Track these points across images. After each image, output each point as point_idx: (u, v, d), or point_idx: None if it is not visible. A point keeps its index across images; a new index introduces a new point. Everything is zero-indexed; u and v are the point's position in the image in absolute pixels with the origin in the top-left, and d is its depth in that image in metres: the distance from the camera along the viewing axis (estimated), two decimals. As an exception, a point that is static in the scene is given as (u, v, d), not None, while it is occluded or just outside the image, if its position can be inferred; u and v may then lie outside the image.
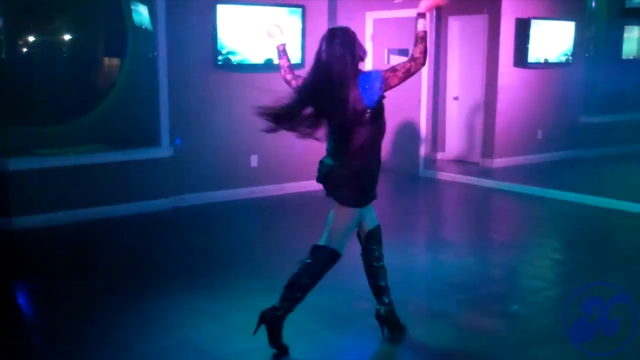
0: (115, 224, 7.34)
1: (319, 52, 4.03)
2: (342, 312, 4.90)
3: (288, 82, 4.45)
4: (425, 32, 3.98)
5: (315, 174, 4.37)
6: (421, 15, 3.99)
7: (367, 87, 3.91)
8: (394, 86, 3.96)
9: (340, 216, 4.25)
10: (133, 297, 5.17)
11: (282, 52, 4.51)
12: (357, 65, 4.01)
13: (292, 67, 4.47)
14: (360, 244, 4.49)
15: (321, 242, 4.30)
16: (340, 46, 3.96)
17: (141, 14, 8.07)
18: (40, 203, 7.16)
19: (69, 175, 7.32)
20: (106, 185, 7.56)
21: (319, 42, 4.06)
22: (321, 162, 4.37)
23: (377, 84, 3.91)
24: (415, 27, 3.98)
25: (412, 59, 3.93)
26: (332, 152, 4.25)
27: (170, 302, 5.07)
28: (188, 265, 6.00)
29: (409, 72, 3.93)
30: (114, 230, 7.18)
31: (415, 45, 3.94)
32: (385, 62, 10.22)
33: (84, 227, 7.18)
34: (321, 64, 4.00)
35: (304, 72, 8.61)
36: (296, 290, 4.19)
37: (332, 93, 3.94)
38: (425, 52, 3.94)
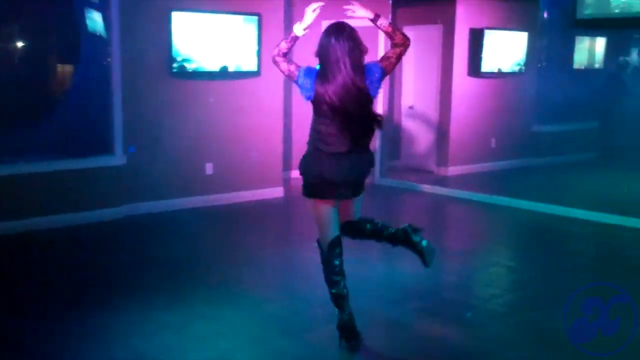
0: (67, 233, 7.22)
1: (329, 47, 4.17)
2: (299, 321, 4.88)
3: (276, 62, 4.46)
4: (390, 23, 4.37)
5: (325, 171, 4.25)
6: (376, 18, 4.42)
7: (372, 79, 4.15)
8: (390, 72, 4.35)
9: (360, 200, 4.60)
10: (84, 307, 5.08)
11: (293, 39, 4.52)
12: (364, 58, 4.22)
13: (287, 55, 4.47)
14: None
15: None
16: (351, 40, 4.19)
17: (95, 20, 7.98)
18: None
19: (21, 183, 7.19)
20: (58, 194, 7.43)
21: (322, 36, 4.28)
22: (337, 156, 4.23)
23: (377, 75, 4.18)
24: (382, 28, 4.41)
25: (398, 45, 4.31)
26: (350, 142, 4.19)
27: (122, 311, 4.99)
28: (141, 274, 5.92)
29: (400, 57, 4.33)
30: (67, 240, 7.06)
31: (393, 36, 4.33)
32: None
33: (36, 236, 7.05)
34: (337, 57, 4.12)
35: (260, 80, 8.68)
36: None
37: (357, 89, 4.07)
38: (405, 35, 4.34)
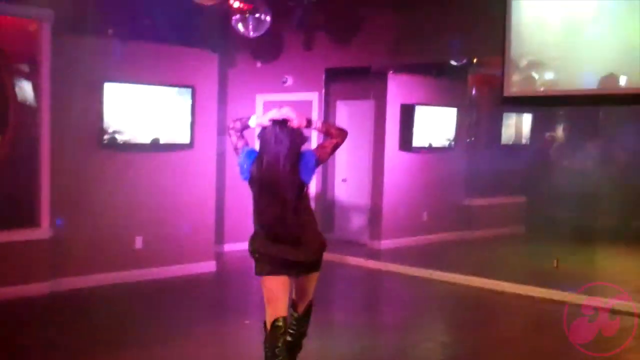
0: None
1: (272, 136, 4.30)
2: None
3: (229, 133, 4.54)
4: (324, 122, 4.86)
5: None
6: (309, 124, 4.50)
7: (307, 166, 4.27)
8: (325, 161, 4.52)
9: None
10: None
11: (246, 126, 4.53)
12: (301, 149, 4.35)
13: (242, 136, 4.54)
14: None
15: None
16: (293, 134, 4.33)
17: (25, 89, 7.83)
18: None
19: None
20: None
21: (267, 128, 4.38)
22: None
23: (312, 163, 4.29)
24: (318, 127, 4.62)
25: (335, 135, 4.49)
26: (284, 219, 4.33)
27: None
28: (64, 354, 5.69)
29: (336, 147, 4.48)
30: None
31: (328, 134, 4.54)
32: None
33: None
34: (277, 150, 4.26)
35: (193, 152, 8.62)
36: None
37: (284, 176, 4.23)
38: (340, 129, 4.61)
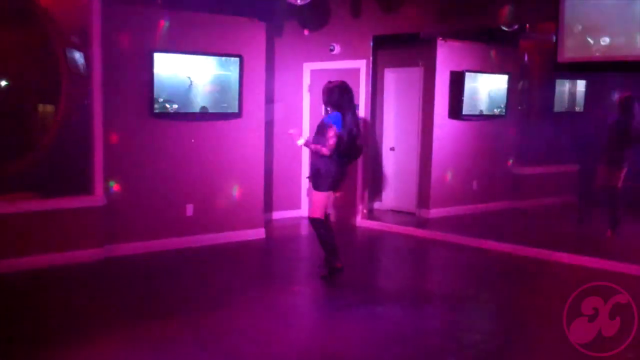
0: (46, 275, 7.12)
1: (346, 99, 7.11)
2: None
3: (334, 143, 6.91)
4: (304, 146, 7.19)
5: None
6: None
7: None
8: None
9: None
10: (58, 348, 4.99)
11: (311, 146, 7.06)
12: None
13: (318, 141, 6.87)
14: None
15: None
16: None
17: (77, 60, 7.96)
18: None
19: (-1, 224, 7.12)
20: (37, 234, 7.35)
21: (338, 91, 7.11)
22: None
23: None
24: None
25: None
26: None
27: (95, 355, 4.90)
28: (117, 318, 5.82)
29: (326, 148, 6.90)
30: (45, 281, 6.96)
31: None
32: (322, 113, 10.26)
33: (12, 277, 6.95)
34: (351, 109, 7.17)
35: (241, 121, 8.69)
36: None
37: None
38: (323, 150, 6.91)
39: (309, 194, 7.76)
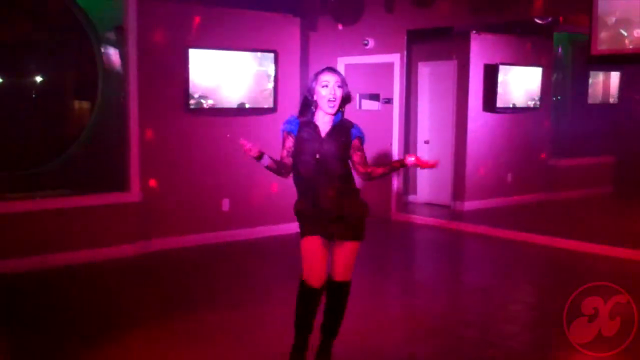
0: (82, 270, 7.23)
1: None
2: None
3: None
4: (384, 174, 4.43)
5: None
6: (399, 164, 4.36)
7: None
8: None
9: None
10: (93, 345, 5.06)
11: (268, 163, 4.28)
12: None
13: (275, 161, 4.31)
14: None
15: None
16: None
17: (112, 57, 8.06)
18: (4, 248, 7.02)
19: (36, 220, 7.22)
20: (74, 230, 7.46)
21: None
22: None
23: None
24: (391, 164, 4.42)
25: (367, 172, 4.31)
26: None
27: (134, 351, 4.98)
28: (153, 312, 5.90)
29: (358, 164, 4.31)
30: (82, 276, 7.07)
31: (379, 167, 4.35)
32: (357, 107, 10.30)
33: (50, 273, 7.06)
34: None
35: (276, 116, 8.72)
36: None
37: None
38: (371, 178, 4.33)
39: (348, 251, 4.30)
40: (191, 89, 8.07)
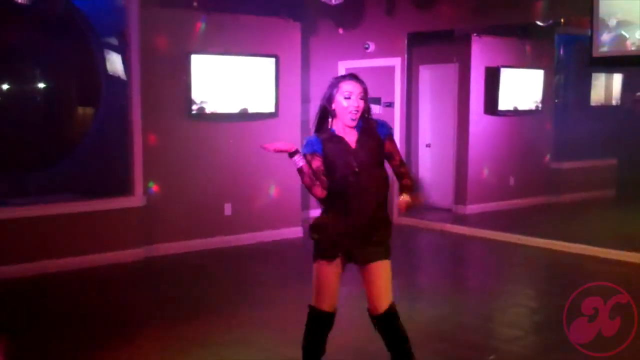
0: (86, 275, 7.25)
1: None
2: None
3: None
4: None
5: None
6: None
7: None
8: None
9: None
10: (98, 350, 5.08)
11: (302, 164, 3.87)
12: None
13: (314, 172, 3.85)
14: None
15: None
16: None
17: (115, 62, 8.08)
18: (8, 254, 7.04)
19: (39, 225, 7.25)
20: (77, 235, 7.49)
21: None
22: None
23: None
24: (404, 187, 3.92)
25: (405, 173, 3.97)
26: None
27: (138, 356, 4.99)
28: (158, 317, 5.92)
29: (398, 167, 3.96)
30: (85, 281, 7.09)
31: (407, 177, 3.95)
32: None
33: (54, 278, 7.08)
34: None
35: (278, 121, 8.70)
36: None
37: None
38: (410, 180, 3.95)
39: (382, 272, 3.90)
40: (193, 95, 8.09)
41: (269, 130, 8.79)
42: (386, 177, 3.90)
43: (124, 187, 7.93)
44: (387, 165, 3.94)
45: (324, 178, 3.79)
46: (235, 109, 8.42)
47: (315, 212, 10.36)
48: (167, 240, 8.16)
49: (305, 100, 9.62)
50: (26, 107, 7.77)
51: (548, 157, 11.55)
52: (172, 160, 8.14)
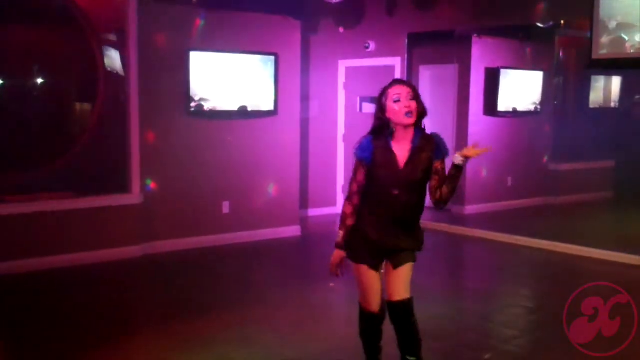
0: (84, 272, 7.23)
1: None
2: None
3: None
4: (453, 190, 3.90)
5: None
6: (454, 169, 3.87)
7: None
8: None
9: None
10: (95, 347, 5.07)
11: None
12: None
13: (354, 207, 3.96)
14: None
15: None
16: None
17: (113, 58, 8.06)
18: (5, 250, 7.02)
19: (37, 221, 7.23)
20: (75, 232, 7.47)
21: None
22: None
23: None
24: (449, 176, 3.88)
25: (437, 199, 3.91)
26: None
27: (136, 353, 4.98)
28: (156, 314, 5.91)
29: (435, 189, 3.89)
30: (83, 279, 7.07)
31: (443, 187, 3.89)
32: (358, 110, 10.30)
33: (52, 275, 7.07)
34: None
35: (277, 119, 8.70)
36: None
37: None
38: (443, 202, 3.93)
39: (403, 272, 4.03)
40: (192, 92, 8.07)
41: (269, 128, 8.79)
42: (423, 200, 3.96)
43: (121, 185, 7.91)
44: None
45: (355, 203, 3.89)
46: (234, 107, 8.40)
47: (314, 211, 10.42)
48: (165, 238, 8.14)
49: (305, 98, 9.61)
50: (24, 104, 7.78)
51: (546, 158, 11.55)
52: (170, 157, 8.13)
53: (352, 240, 3.95)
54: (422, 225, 4.13)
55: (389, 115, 3.81)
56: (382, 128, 3.86)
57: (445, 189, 3.85)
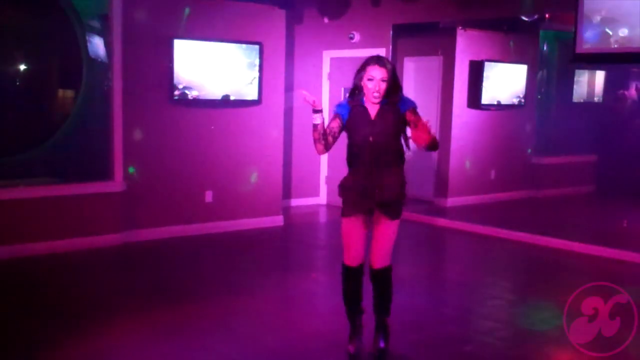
0: (64, 259, 7.20)
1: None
2: (294, 353, 4.84)
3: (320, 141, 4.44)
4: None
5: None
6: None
7: None
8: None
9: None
10: (75, 335, 5.04)
11: (321, 121, 4.39)
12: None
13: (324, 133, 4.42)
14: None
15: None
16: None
17: (97, 45, 8.01)
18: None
19: (18, 208, 7.18)
20: (56, 219, 7.42)
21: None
22: None
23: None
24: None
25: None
26: None
27: (116, 341, 4.96)
28: (136, 303, 5.88)
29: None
30: (63, 266, 7.03)
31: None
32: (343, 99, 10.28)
33: (32, 261, 7.03)
34: None
35: (261, 109, 8.68)
36: None
37: None
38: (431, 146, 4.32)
39: (386, 232, 4.53)
40: (175, 80, 8.04)
41: (252, 118, 8.77)
42: (401, 148, 4.49)
43: (104, 172, 7.87)
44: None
45: (330, 139, 4.38)
46: (218, 96, 8.37)
47: (297, 201, 10.43)
48: (147, 226, 8.11)
49: (289, 88, 9.59)
50: (6, 89, 7.70)
51: (529, 151, 11.59)
52: (153, 145, 8.09)
53: (343, 194, 4.48)
54: (403, 217, 4.24)
55: (363, 86, 4.37)
56: (357, 91, 4.43)
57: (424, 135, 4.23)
